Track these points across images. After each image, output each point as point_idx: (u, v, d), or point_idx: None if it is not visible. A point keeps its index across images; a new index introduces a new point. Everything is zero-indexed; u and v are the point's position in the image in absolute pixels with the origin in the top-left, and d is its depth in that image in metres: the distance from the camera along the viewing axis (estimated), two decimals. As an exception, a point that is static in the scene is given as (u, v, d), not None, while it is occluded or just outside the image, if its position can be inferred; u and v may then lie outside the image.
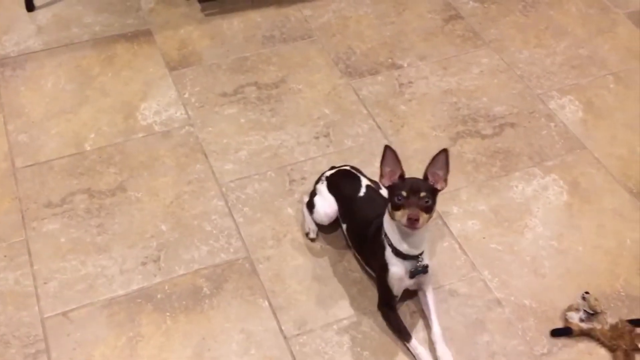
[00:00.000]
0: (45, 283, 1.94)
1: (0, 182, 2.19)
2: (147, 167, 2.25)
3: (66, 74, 2.55)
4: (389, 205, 1.73)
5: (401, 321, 1.84)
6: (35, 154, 2.28)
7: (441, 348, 1.78)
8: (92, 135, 2.33)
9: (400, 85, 2.50)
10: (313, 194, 2.05)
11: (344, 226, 1.98)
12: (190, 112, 2.42)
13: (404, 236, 1.74)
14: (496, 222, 2.10)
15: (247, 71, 2.56)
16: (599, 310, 1.84)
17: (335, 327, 1.86)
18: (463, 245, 2.04)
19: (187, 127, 2.37)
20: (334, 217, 2.00)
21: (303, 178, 2.21)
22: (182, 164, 2.26)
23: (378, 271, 1.85)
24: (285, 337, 1.83)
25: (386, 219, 1.78)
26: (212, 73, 2.56)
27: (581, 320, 1.84)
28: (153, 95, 2.48)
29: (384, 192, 1.82)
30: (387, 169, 1.74)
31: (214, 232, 2.07)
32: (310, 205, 2.03)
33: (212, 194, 2.17)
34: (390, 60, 2.60)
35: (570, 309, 1.87)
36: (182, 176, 2.22)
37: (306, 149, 2.30)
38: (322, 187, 2.03)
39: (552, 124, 2.38)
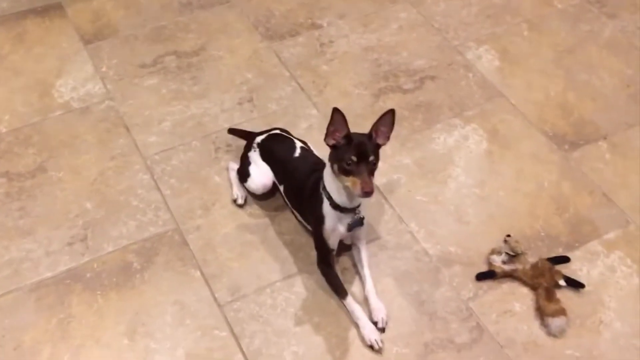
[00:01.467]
0: (-33, 272, 1.89)
1: None
2: (68, 145, 2.19)
3: (-26, 55, 2.45)
4: (335, 167, 1.71)
5: (338, 278, 1.87)
6: (-52, 141, 2.20)
7: (374, 302, 1.83)
8: (7, 117, 2.26)
9: (321, 45, 2.49)
10: (246, 162, 2.04)
11: (282, 188, 1.99)
12: (109, 86, 2.36)
13: (345, 191, 1.75)
14: (420, 175, 2.14)
15: (165, 40, 2.51)
16: (519, 252, 1.91)
17: (268, 290, 1.88)
18: (389, 199, 2.07)
19: (106, 102, 2.31)
20: (269, 187, 2.01)
21: (228, 145, 2.19)
22: (104, 140, 2.21)
23: (314, 225, 1.87)
24: (219, 305, 1.84)
25: (327, 173, 1.77)
26: (129, 44, 2.50)
27: (503, 262, 1.92)
28: (68, 71, 2.41)
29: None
30: (332, 128, 1.70)
31: (141, 206, 2.05)
32: (244, 175, 2.02)
33: (136, 168, 2.14)
34: (310, 20, 2.59)
35: (493, 252, 1.94)
36: (104, 152, 2.18)
37: (230, 115, 2.28)
38: (255, 156, 2.02)
39: (470, 75, 2.42)
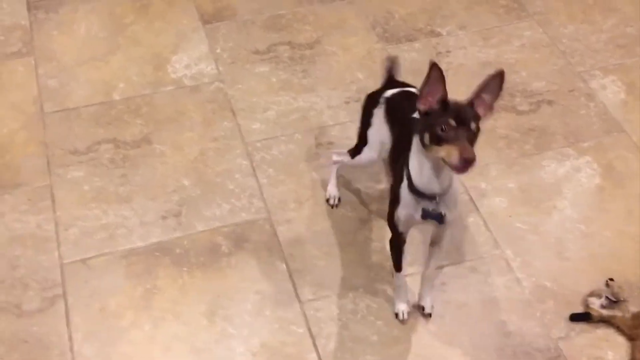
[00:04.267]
0: (66, 229, 1.95)
1: (28, 125, 2.19)
2: (174, 120, 2.23)
3: (99, 20, 2.53)
4: (426, 136, 1.43)
5: (401, 256, 1.71)
6: (64, 100, 2.27)
7: (427, 290, 1.78)
8: (121, 85, 2.32)
9: (438, 54, 2.42)
10: (366, 123, 1.80)
11: (389, 146, 1.73)
12: (220, 68, 2.38)
13: (430, 172, 1.49)
14: (524, 201, 2.04)
15: (281, 29, 2.51)
16: (621, 298, 1.79)
17: (351, 294, 1.84)
18: (488, 222, 1.99)
19: (216, 83, 2.34)
20: (376, 160, 1.82)
21: (330, 142, 2.17)
22: (208, 120, 2.23)
23: (389, 203, 1.65)
24: (300, 301, 1.82)
25: (414, 150, 1.50)
26: (245, 29, 2.51)
27: (602, 306, 1.80)
28: (184, 48, 2.45)
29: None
30: (426, 89, 1.44)
31: (237, 190, 2.05)
32: (361, 141, 1.81)
33: (237, 152, 2.15)
34: (429, 27, 2.53)
35: (592, 294, 1.82)
36: (208, 132, 2.20)
37: (336, 113, 2.26)
38: (379, 113, 1.76)
39: (592, 104, 2.29)
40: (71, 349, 1.71)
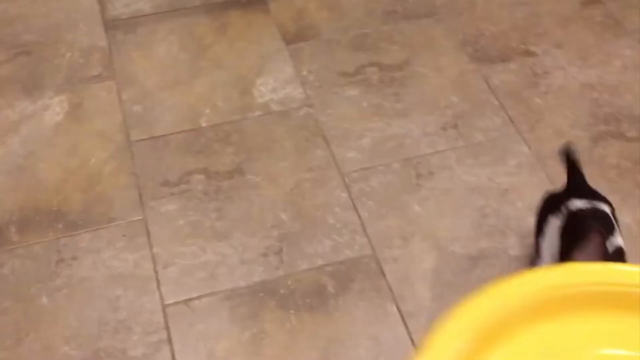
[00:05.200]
0: (165, 268, 1.87)
1: (117, 155, 2.12)
2: (265, 149, 2.15)
3: (179, 41, 2.45)
4: None
5: None
6: (150, 127, 2.20)
7: None
8: (208, 111, 2.24)
9: (535, 75, 2.32)
10: (541, 231, 1.58)
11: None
12: (308, 92, 2.30)
13: None
14: (641, 237, 1.94)
15: (368, 49, 2.42)
16: None
17: (468, 340, 1.75)
18: (605, 260, 1.89)
19: (305, 108, 2.25)
20: None
21: (430, 173, 2.07)
22: (301, 149, 2.15)
23: None
24: (416, 347, 1.73)
25: None
26: (330, 49, 2.42)
27: None
28: (269, 70, 2.37)
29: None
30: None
31: (337, 225, 1.97)
32: (536, 251, 1.59)
33: (334, 184, 2.06)
34: (522, 46, 2.42)
35: None
36: (301, 162, 2.12)
37: (433, 140, 2.16)
38: (556, 224, 1.52)
39: (702, 129, 2.18)
40: (181, 400, 1.65)
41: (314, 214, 1.99)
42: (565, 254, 1.43)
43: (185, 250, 1.91)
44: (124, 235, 1.93)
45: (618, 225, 1.51)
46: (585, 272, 1.08)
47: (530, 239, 1.93)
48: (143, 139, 2.16)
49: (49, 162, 2.11)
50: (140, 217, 1.98)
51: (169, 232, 1.95)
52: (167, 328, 1.76)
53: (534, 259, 1.70)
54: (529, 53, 2.39)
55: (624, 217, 1.98)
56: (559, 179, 1.63)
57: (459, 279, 1.86)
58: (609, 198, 2.04)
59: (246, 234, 1.94)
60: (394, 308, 1.80)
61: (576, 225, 1.47)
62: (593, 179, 1.63)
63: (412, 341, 1.74)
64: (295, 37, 2.46)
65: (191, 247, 1.92)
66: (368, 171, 2.09)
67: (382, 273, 1.87)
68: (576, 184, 1.61)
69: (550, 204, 1.61)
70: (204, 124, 2.20)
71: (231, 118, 2.22)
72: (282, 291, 1.84)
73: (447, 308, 1.79)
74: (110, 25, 2.49)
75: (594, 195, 1.58)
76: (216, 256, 1.90)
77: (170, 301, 1.81)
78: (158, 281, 1.84)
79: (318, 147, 2.15)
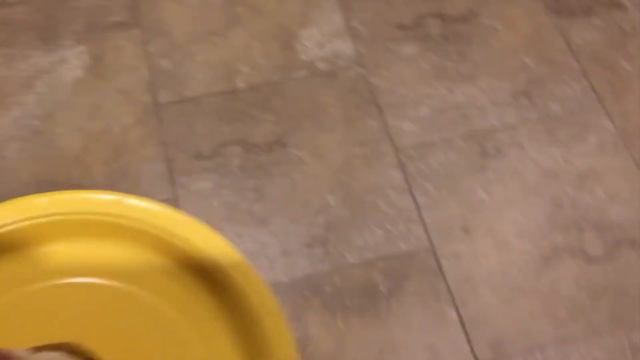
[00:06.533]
0: (198, 257, 1.69)
1: (144, 120, 1.89)
2: (310, 117, 1.90)
3: (212, -18, 2.16)
4: None
5: None
6: (181, 87, 1.95)
7: None
8: (246, 69, 1.98)
9: (623, 33, 1.99)
10: None
11: None
12: (359, 48, 2.01)
13: None
14: None
15: (428, -4, 2.10)
16: None
17: (538, 355, 1.55)
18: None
19: (356, 68, 1.97)
20: None
21: (498, 151, 1.82)
22: (351, 118, 1.89)
23: None
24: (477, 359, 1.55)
25: None
26: (385, -4, 2.11)
27: None
28: (314, 19, 2.07)
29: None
30: None
31: (391, 213, 1.74)
32: None
33: (387, 162, 1.82)
34: (609, -4, 2.08)
35: None
36: (352, 134, 1.87)
37: (502, 111, 1.88)
38: None
39: None
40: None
41: (365, 198, 1.76)
42: None
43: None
44: (152, 217, 1.73)
45: None
46: (66, 201, 1.06)
47: (612, 234, 1.69)
48: (173, 102, 1.92)
49: (68, 126, 1.89)
50: (169, 196, 1.77)
51: (202, 214, 1.74)
52: (201, 328, 1.58)
53: None
54: (615, 4, 2.05)
55: None
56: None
57: (529, 282, 1.64)
58: None
59: (288, 220, 1.73)
60: (454, 313, 1.60)
61: None
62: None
63: (474, 353, 1.55)
64: (344, -21, 2.15)
65: (226, 234, 1.71)
66: (426, 148, 1.84)
67: (441, 272, 1.66)
68: None
69: None
70: (241, 85, 1.95)
71: (271, 78, 1.96)
72: (327, 289, 1.64)
73: (514, 316, 1.60)
74: (135, -39, 2.20)
75: None
76: (255, 245, 1.70)
77: (204, 297, 1.63)
78: (190, 272, 1.66)
79: (371, 116, 1.89)
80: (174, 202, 1.76)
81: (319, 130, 1.88)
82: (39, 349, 0.93)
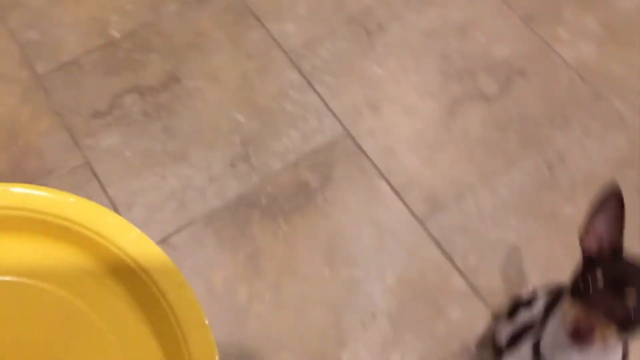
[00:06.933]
0: (128, 210, 1.67)
1: (28, 95, 1.82)
2: (194, 46, 1.89)
3: (51, -59, 2.06)
4: (570, 287, 1.03)
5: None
6: (56, 53, 1.88)
7: None
8: (115, 18, 1.93)
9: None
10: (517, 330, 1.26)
11: None
12: (221, -35, 2.00)
13: (561, 337, 1.06)
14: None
15: None
16: None
17: (469, 197, 1.66)
18: None
19: (223, -14, 1.97)
20: None
21: (380, 27, 1.88)
22: (234, 35, 1.90)
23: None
24: (419, 221, 1.64)
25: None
26: None
27: None
28: (168, -49, 2.03)
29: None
30: (600, 228, 1.02)
31: (299, 112, 1.78)
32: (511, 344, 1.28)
33: (281, 66, 1.85)
34: None
35: None
36: (239, 50, 1.87)
37: (374, -11, 1.94)
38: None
39: None
40: (195, 342, 1.53)
41: (271, 106, 1.80)
42: None
43: (145, 184, 1.71)
44: (71, 187, 1.70)
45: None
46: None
47: (501, 71, 1.81)
48: (52, 70, 1.86)
49: (-48, 125, 1.80)
50: (80, 162, 1.74)
51: (119, 169, 1.73)
52: (154, 273, 1.60)
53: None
54: None
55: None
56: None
57: (441, 136, 1.74)
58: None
59: (205, 148, 1.75)
60: (385, 185, 1.69)
61: None
62: None
63: (414, 214, 1.65)
64: None
65: (150, 179, 1.71)
66: (313, 42, 1.87)
67: (362, 150, 1.73)
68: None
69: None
70: (115, 35, 1.90)
71: (144, 20, 1.92)
72: (263, 200, 1.68)
73: (438, 170, 1.70)
74: (-38, -60, 2.06)
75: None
76: (180, 181, 1.71)
77: (148, 243, 1.63)
78: (126, 226, 1.66)
79: (252, 28, 1.90)
80: (86, 166, 1.73)
81: (207, 56, 1.87)
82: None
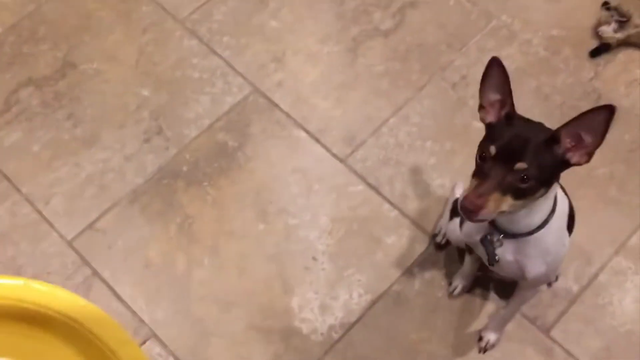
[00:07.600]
0: (47, 203, 1.61)
1: None
2: (85, 29, 1.83)
3: None
4: (477, 157, 1.04)
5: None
6: (-63, 61, 1.79)
7: (494, 325, 1.46)
8: (-6, 13, 1.85)
9: None
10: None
11: None
12: (99, -56, 1.94)
13: None
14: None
15: None
16: (628, 15, 1.77)
17: (385, 129, 1.70)
18: None
19: (102, -35, 1.91)
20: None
21: (270, -20, 1.88)
22: (123, 12, 1.85)
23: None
24: (341, 160, 1.66)
25: None
26: None
27: (614, 30, 1.78)
28: (37, -62, 1.95)
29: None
30: (491, 96, 1.06)
31: (205, 77, 1.76)
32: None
33: (178, 35, 1.81)
34: None
35: (600, 24, 1.80)
36: (131, 27, 1.83)
37: (256, -56, 1.93)
38: None
39: None
40: (142, 321, 1.50)
41: (175, 76, 1.77)
42: None
43: (59, 175, 1.65)
44: (-20, 192, 1.63)
45: None
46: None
47: (394, 5, 1.85)
48: (-64, 78, 1.76)
49: None
50: (-14, 164, 1.67)
51: (28, 164, 1.66)
52: (86, 262, 1.56)
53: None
54: None
55: None
56: None
57: (348, 76, 1.77)
58: None
59: (115, 128, 1.70)
60: (302, 132, 1.70)
61: None
62: None
63: (335, 155, 1.67)
64: None
65: (63, 169, 1.66)
66: (206, 6, 1.85)
67: (274, 103, 1.73)
68: None
69: None
70: (-2, 30, 1.82)
71: (26, 10, 1.85)
72: (184, 168, 1.66)
73: (350, 110, 1.73)
74: None
75: None
76: (95, 166, 1.66)
77: (73, 234, 1.58)
78: (48, 221, 1.59)
79: (139, 3, 1.86)
80: (-7, 168, 1.66)
81: (99, 37, 1.82)
82: None
